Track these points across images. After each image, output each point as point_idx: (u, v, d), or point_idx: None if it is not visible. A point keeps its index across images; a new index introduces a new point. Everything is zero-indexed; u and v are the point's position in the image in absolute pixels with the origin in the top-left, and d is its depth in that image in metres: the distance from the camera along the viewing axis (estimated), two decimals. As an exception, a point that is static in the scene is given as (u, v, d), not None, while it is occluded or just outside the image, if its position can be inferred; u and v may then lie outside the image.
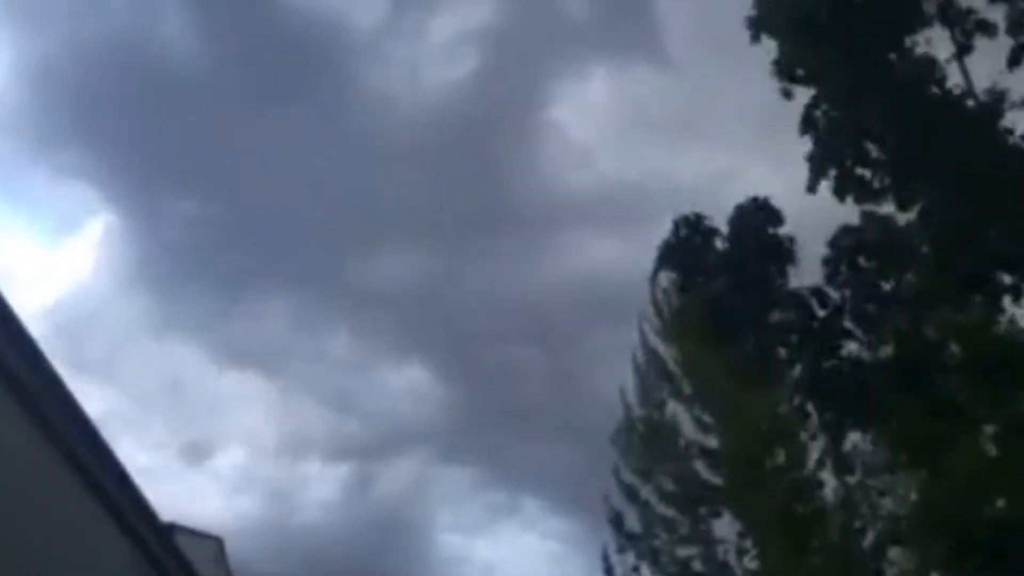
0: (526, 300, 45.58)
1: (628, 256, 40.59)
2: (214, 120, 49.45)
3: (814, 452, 21.66)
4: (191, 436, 52.53)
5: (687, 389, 24.19)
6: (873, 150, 14.42)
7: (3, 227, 37.91)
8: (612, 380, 25.83)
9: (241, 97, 51.63)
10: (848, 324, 14.55)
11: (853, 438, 18.41)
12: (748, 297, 14.54)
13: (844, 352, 14.68)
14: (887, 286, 14.74)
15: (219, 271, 51.86)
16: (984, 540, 12.80)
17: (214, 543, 23.39)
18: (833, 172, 14.32)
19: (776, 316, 14.64)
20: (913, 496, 17.20)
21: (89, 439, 13.14)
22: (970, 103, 14.23)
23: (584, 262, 47.54)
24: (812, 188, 14.29)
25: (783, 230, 15.02)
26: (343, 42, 52.81)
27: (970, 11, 14.44)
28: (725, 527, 23.04)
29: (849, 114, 14.34)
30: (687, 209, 15.02)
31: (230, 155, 49.84)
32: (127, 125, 48.94)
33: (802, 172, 14.62)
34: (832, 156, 14.33)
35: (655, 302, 24.79)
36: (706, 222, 14.92)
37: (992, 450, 13.86)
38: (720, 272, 14.73)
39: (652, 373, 24.81)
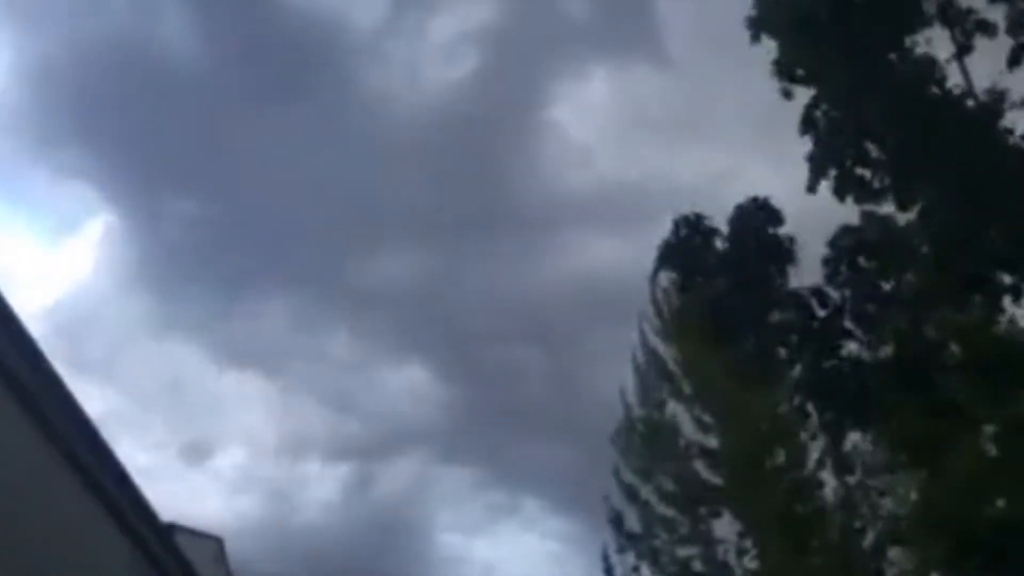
0: (526, 300, 45.60)
1: (628, 256, 40.53)
2: (214, 120, 49.47)
3: (814, 452, 21.70)
4: (191, 436, 52.59)
5: (687, 389, 24.22)
6: (873, 150, 14.42)
7: (3, 227, 37.95)
8: (612, 380, 25.87)
9: (241, 97, 51.65)
10: (848, 324, 14.54)
11: (853, 438, 18.43)
12: (748, 297, 14.53)
13: (844, 352, 14.66)
14: (887, 286, 14.73)
15: (219, 271, 51.89)
16: (984, 540, 12.80)
17: (214, 543, 23.40)
18: (833, 172, 14.31)
19: (776, 316, 14.62)
20: (913, 496, 17.20)
21: (89, 439, 13.15)
22: (970, 103, 14.23)
23: (584, 262, 47.57)
24: (812, 188, 14.29)
25: (783, 230, 14.99)
26: (343, 42, 52.84)
27: (970, 11, 14.43)
28: (725, 527, 23.08)
29: (849, 114, 14.33)
30: (687, 209, 15.01)
31: (230, 155, 49.86)
32: (127, 125, 48.97)
33: (802, 172, 14.61)
34: (832, 156, 14.32)
35: (655, 302, 24.82)
36: (706, 222, 14.90)
37: (992, 450, 13.86)
38: (720, 272, 14.71)
39: (652, 373, 24.84)
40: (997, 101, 14.04)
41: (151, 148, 48.22)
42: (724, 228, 15.20)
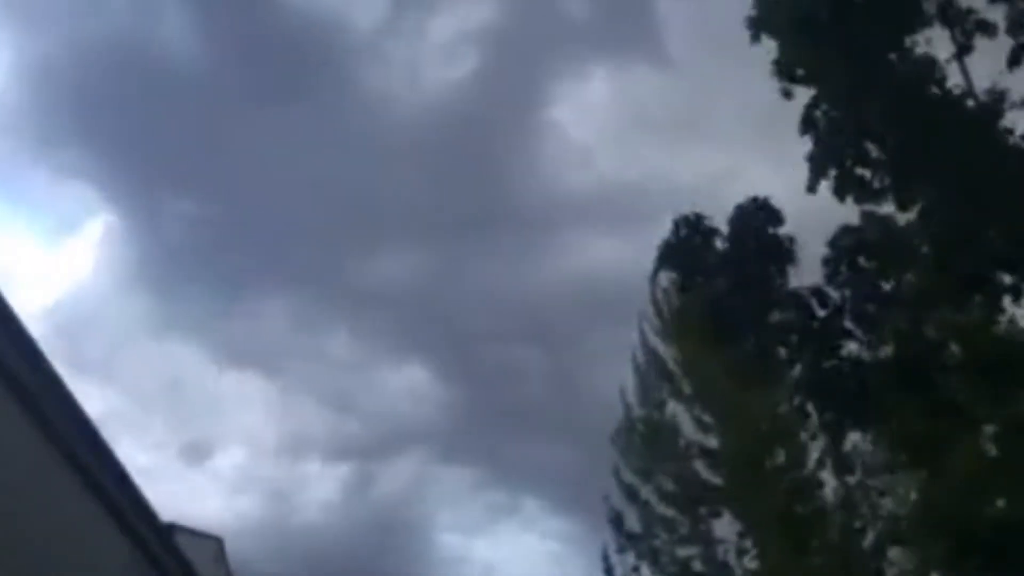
0: (526, 300, 45.62)
1: (628, 256, 40.56)
2: (214, 120, 49.48)
3: (814, 452, 21.70)
4: (191, 436, 52.59)
5: (687, 389, 24.23)
6: (873, 150, 14.42)
7: (3, 227, 37.95)
8: (612, 380, 25.87)
9: (241, 97, 51.66)
10: (848, 324, 14.54)
11: (853, 438, 18.43)
12: (748, 297, 14.53)
13: (844, 352, 14.66)
14: (887, 286, 14.74)
15: (219, 271, 51.89)
16: (984, 540, 12.80)
17: (214, 543, 23.39)
18: (833, 172, 14.31)
19: (776, 316, 14.62)
20: (913, 496, 17.21)
21: (89, 439, 13.14)
22: (970, 103, 14.23)
23: (584, 262, 47.59)
24: (812, 188, 14.29)
25: (783, 230, 15.00)
26: (343, 42, 52.85)
27: (970, 11, 14.43)
28: (725, 527, 23.09)
29: (849, 114, 14.33)
30: (687, 209, 15.01)
31: (230, 155, 49.88)
32: (127, 125, 48.98)
33: (802, 172, 14.62)
34: (832, 156, 14.32)
35: (655, 302, 24.81)
36: (706, 222, 14.90)
37: (992, 450, 13.87)
38: (720, 272, 14.71)
39: (652, 373, 24.83)
40: (997, 101, 14.04)
41: (151, 148, 48.29)
42: (724, 228, 15.20)
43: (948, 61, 14.41)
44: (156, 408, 51.28)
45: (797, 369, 14.82)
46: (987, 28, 14.34)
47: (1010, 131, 14.05)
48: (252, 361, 54.15)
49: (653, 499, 23.99)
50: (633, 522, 23.77)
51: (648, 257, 15.65)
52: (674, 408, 24.40)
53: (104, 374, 48.53)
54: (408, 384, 52.53)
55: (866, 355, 14.59)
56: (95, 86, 48.60)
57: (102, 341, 49.43)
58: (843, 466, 20.27)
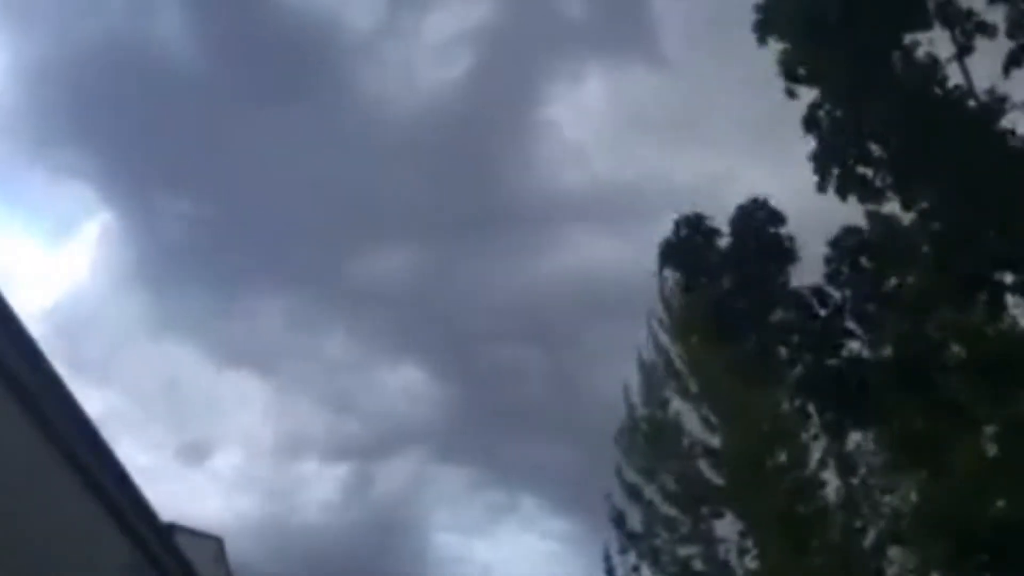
0: (523, 299, 45.72)
1: (625, 255, 40.64)
2: (211, 120, 49.58)
3: (816, 452, 21.69)
4: (190, 436, 52.68)
5: (693, 387, 24.20)
6: (876, 149, 14.41)
7: (2, 227, 37.96)
8: (610, 379, 25.91)
9: (238, 97, 51.74)
10: (849, 324, 14.52)
11: (855, 438, 18.43)
12: (749, 297, 14.51)
13: (845, 352, 14.64)
14: (888, 286, 14.72)
15: (216, 271, 52.02)
16: (985, 540, 12.80)
17: (214, 543, 23.40)
18: (836, 171, 14.30)
19: (777, 316, 14.61)
20: (913, 496, 17.22)
21: (89, 439, 13.14)
22: (971, 103, 14.22)
23: (581, 261, 47.72)
24: (822, 188, 14.27)
25: (783, 230, 14.98)
26: (339, 42, 52.93)
27: (970, 12, 14.42)
28: (726, 527, 23.09)
29: (851, 114, 14.33)
30: (685, 209, 14.99)
31: (227, 155, 49.97)
32: (124, 125, 49.05)
33: (800, 172, 14.62)
34: (835, 155, 14.32)
35: (664, 299, 24.76)
36: (706, 222, 14.89)
37: (993, 450, 13.86)
38: (722, 272, 14.70)
39: (659, 371, 24.81)
40: (998, 102, 14.03)
41: (148, 148, 48.37)
42: (723, 228, 15.19)
43: (948, 61, 14.41)
44: (155, 408, 51.38)
45: (798, 369, 14.80)
46: (987, 29, 14.33)
47: (1011, 131, 14.04)
48: (250, 361, 54.29)
49: (656, 498, 23.99)
50: (634, 522, 23.77)
51: (646, 256, 15.65)
52: (678, 407, 24.40)
53: (103, 374, 48.64)
54: (406, 384, 52.67)
55: (867, 355, 14.57)
56: (92, 86, 48.74)
57: (100, 341, 49.53)
58: (844, 466, 20.28)
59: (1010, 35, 14.03)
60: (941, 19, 14.36)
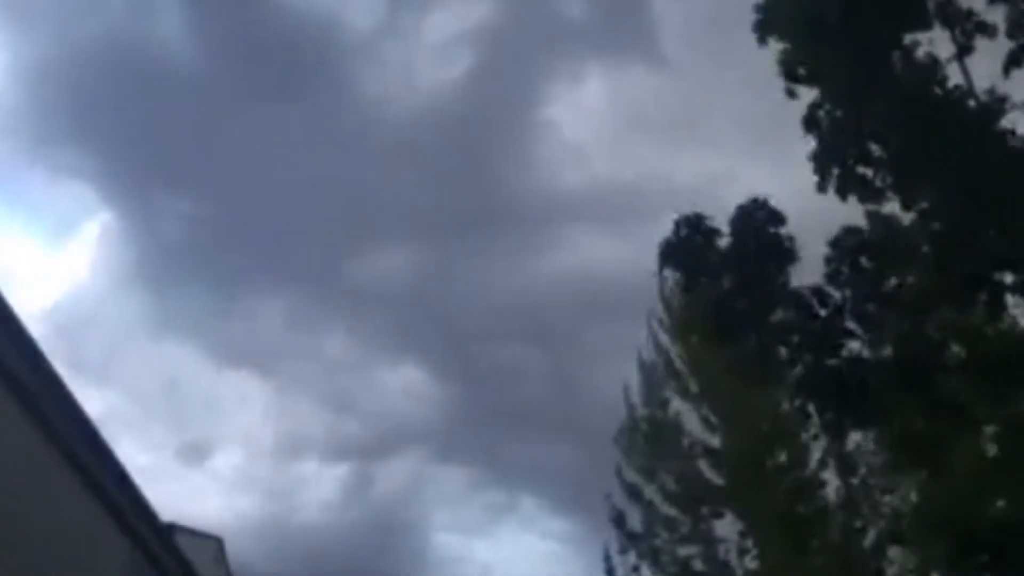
0: (523, 299, 45.74)
1: (625, 255, 40.68)
2: (211, 120, 49.63)
3: (816, 452, 21.69)
4: (189, 436, 52.66)
5: (693, 387, 24.19)
6: (876, 149, 14.42)
7: (2, 228, 37.95)
8: (610, 379, 25.91)
9: (238, 97, 51.73)
10: (849, 324, 14.52)
11: (855, 438, 18.42)
12: (749, 297, 14.52)
13: (845, 352, 14.64)
14: (888, 286, 14.73)
15: (216, 270, 52.06)
16: (985, 540, 12.80)
17: (214, 543, 23.41)
18: (836, 171, 14.30)
19: (777, 316, 14.61)
20: (913, 496, 17.21)
21: (89, 439, 13.14)
22: (971, 103, 14.22)
23: (581, 261, 47.74)
24: (822, 188, 14.27)
25: (783, 230, 14.99)
26: (339, 42, 52.93)
27: (970, 12, 14.42)
28: (726, 527, 23.09)
29: (851, 114, 14.33)
30: (684, 209, 15.01)
31: (227, 155, 49.97)
32: (124, 125, 49.05)
33: (800, 172, 14.63)
34: (835, 155, 14.32)
35: (664, 299, 24.76)
36: (706, 222, 14.90)
37: (993, 450, 13.87)
38: (722, 271, 14.71)
39: (659, 371, 24.81)
40: (998, 102, 14.03)
41: (148, 148, 48.34)
42: (724, 228, 15.20)
43: (948, 61, 14.41)
44: (155, 408, 51.35)
45: (798, 369, 14.80)
46: (987, 29, 14.33)
47: (1011, 131, 14.04)
48: (249, 361, 54.30)
49: (657, 498, 23.98)
50: (634, 522, 23.76)
51: (646, 256, 15.67)
52: (678, 407, 24.40)
53: (102, 374, 48.60)
54: (406, 384, 52.68)
55: (867, 355, 14.57)
56: (92, 86, 48.76)
57: (100, 341, 49.51)
58: (844, 466, 20.28)
59: (1010, 35, 14.04)
60: (941, 19, 14.36)
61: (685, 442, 23.87)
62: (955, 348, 14.35)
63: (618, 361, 26.07)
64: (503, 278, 48.31)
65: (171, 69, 48.77)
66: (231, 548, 24.57)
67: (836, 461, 20.94)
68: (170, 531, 17.55)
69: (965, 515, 13.06)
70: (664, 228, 15.11)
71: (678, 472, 23.77)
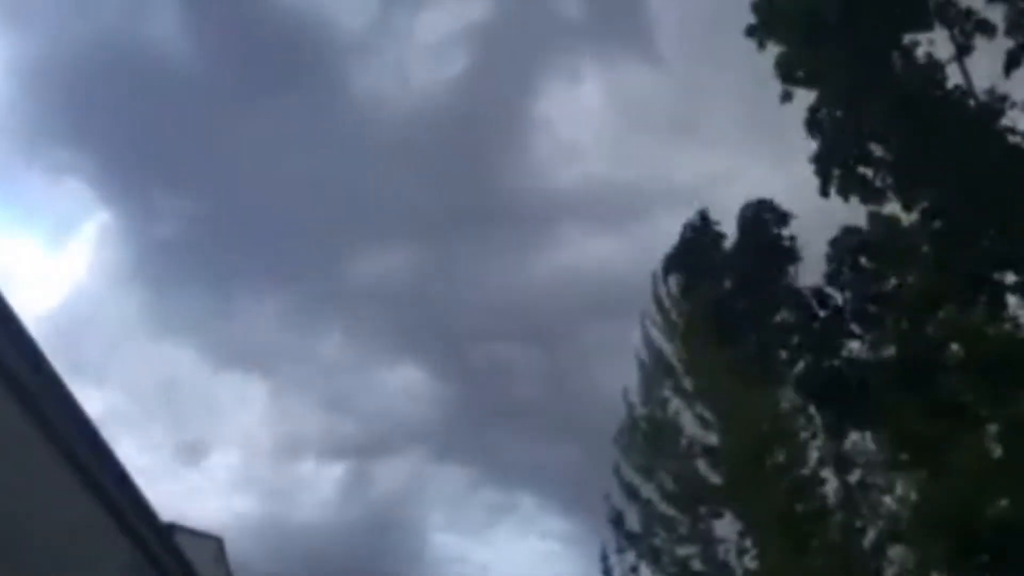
0: (520, 298, 45.66)
1: (624, 254, 40.75)
2: (207, 119, 49.61)
3: (815, 451, 21.68)
4: (189, 436, 52.56)
5: (689, 386, 24.19)
6: (876, 150, 14.44)
7: (1, 228, 37.88)
8: (608, 378, 25.91)
9: (234, 96, 51.70)
10: (849, 324, 14.55)
11: (854, 437, 18.44)
12: (750, 297, 14.55)
13: (845, 352, 14.67)
14: (888, 286, 14.75)
15: (214, 270, 51.97)
16: (985, 540, 12.81)
17: (214, 543, 23.37)
18: (837, 172, 14.33)
19: (778, 316, 14.64)
20: (913, 496, 17.22)
21: (89, 439, 13.11)
22: (971, 103, 14.24)
23: (579, 260, 47.64)
24: (825, 192, 14.27)
25: (784, 230, 15.02)
26: (333, 41, 52.87)
27: (970, 12, 14.44)
28: (725, 526, 23.05)
29: (851, 114, 14.35)
30: (682, 208, 15.07)
31: (224, 154, 49.92)
32: (121, 124, 49.03)
33: (799, 171, 14.67)
34: (835, 156, 14.34)
35: (658, 300, 24.79)
36: (712, 225, 14.94)
37: (994, 450, 13.88)
38: (724, 272, 14.74)
39: (655, 371, 24.80)
40: (997, 101, 14.05)
41: (146, 147, 48.30)
42: (723, 227, 15.24)
43: (948, 61, 14.43)
44: (153, 408, 51.27)
45: (798, 369, 14.83)
46: (986, 28, 14.35)
47: (1011, 130, 14.06)
48: (248, 361, 54.12)
49: (655, 498, 23.95)
50: (633, 521, 23.74)
51: (644, 255, 15.71)
52: (677, 406, 24.38)
53: (101, 374, 48.51)
54: (403, 383, 52.55)
55: (867, 355, 14.60)
56: (89, 85, 48.66)
57: (100, 341, 49.42)
58: (844, 465, 20.29)
59: (1009, 34, 14.05)
60: (941, 19, 14.38)
61: (684, 441, 23.87)
62: (955, 348, 14.37)
63: (617, 361, 26.09)
64: (501, 277, 48.30)
65: (168, 69, 48.80)
66: (231, 548, 24.58)
67: (835, 461, 20.95)
68: (170, 531, 17.52)
69: (965, 515, 13.07)
70: (662, 227, 15.19)
71: (677, 471, 23.75)
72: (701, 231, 14.80)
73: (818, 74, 14.66)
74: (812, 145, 14.74)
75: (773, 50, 15.12)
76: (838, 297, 14.55)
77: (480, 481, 50.34)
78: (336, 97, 52.14)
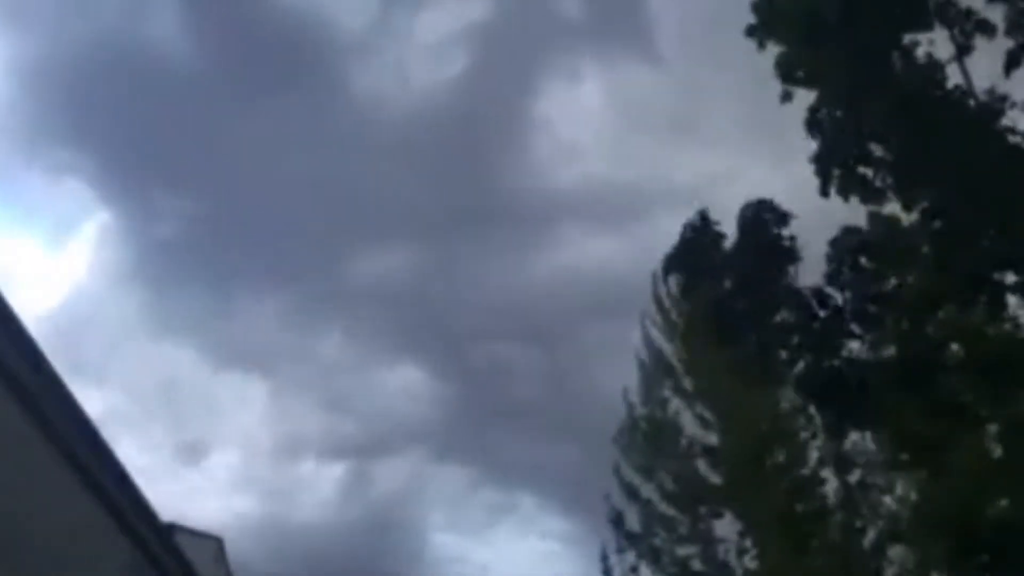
0: (520, 298, 45.64)
1: (623, 254, 40.76)
2: (207, 119, 49.60)
3: (815, 451, 21.67)
4: (189, 436, 52.54)
5: (689, 386, 24.18)
6: (876, 150, 14.44)
7: (1, 228, 37.87)
8: (608, 378, 25.90)
9: (234, 96, 51.68)
10: (849, 324, 14.55)
11: (854, 437, 18.44)
12: (750, 297, 14.55)
13: (845, 352, 14.67)
14: (888, 286, 14.75)
15: (213, 270, 51.97)
16: (985, 540, 12.81)
17: (214, 543, 23.37)
18: (837, 172, 14.33)
19: (779, 316, 14.65)
20: (913, 496, 17.21)
21: (89, 439, 13.11)
22: (971, 103, 14.24)
23: (579, 260, 47.63)
24: (825, 192, 14.28)
25: (784, 230, 15.02)
26: (333, 41, 52.87)
27: (970, 12, 14.45)
28: (725, 526, 23.04)
29: (851, 114, 14.36)
30: (682, 208, 15.09)
31: (224, 154, 49.92)
32: (121, 124, 49.03)
33: (799, 171, 14.67)
34: (835, 156, 14.34)
35: (658, 300, 24.79)
36: (712, 225, 14.95)
37: (994, 450, 13.87)
38: (723, 272, 14.75)
39: (655, 371, 24.79)
40: (997, 101, 14.05)
41: (146, 147, 48.29)
42: (723, 227, 15.25)
43: (948, 61, 14.43)
44: (153, 408, 51.25)
45: (798, 369, 14.83)
46: (986, 28, 14.35)
47: (1010, 130, 14.06)
48: (247, 361, 54.09)
49: (655, 498, 23.94)
50: (633, 521, 23.73)
51: (644, 255, 15.72)
52: (677, 406, 24.38)
53: (101, 374, 48.48)
54: (403, 383, 52.52)
55: (867, 355, 14.59)
56: (89, 85, 48.66)
57: (100, 341, 49.41)
58: (843, 465, 20.29)
59: (1009, 34, 14.05)
60: (941, 19, 14.38)
61: (684, 441, 23.85)
62: (955, 348, 14.37)
63: (617, 361, 26.07)
64: (501, 277, 48.29)
65: (168, 68, 48.81)
66: (231, 548, 24.58)
67: (835, 461, 20.94)
68: (170, 531, 17.51)
69: (965, 515, 13.07)
70: (664, 228, 15.21)
71: (677, 471, 23.74)
72: (701, 231, 14.79)
73: (818, 74, 14.66)
74: (812, 145, 14.78)
75: (773, 50, 15.14)
76: (838, 297, 14.55)
77: (480, 481, 50.35)
78: (336, 97, 52.18)
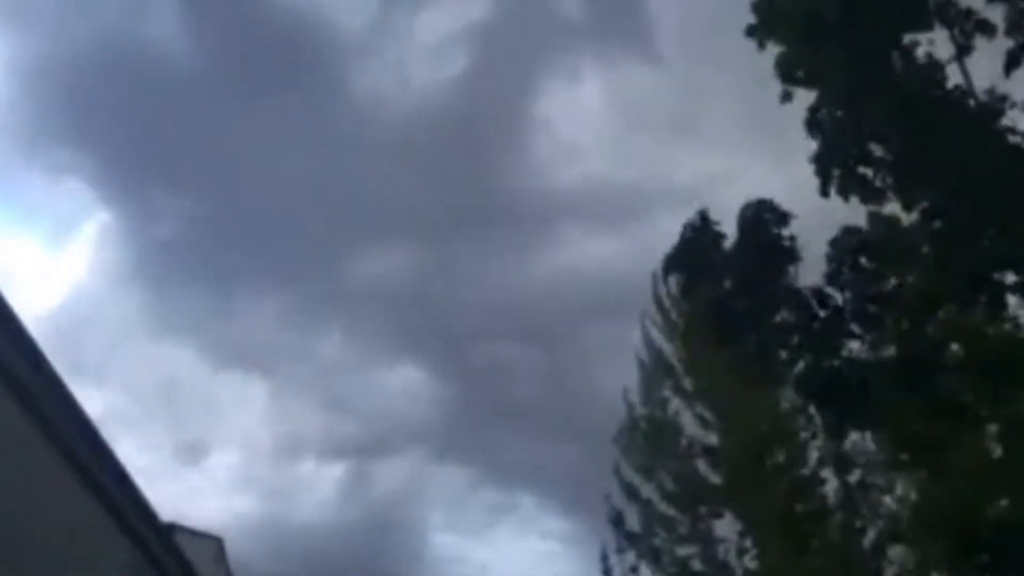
0: (520, 298, 45.64)
1: (621, 253, 40.78)
2: (207, 119, 49.59)
3: (815, 451, 21.67)
4: (189, 436, 52.53)
5: (689, 386, 24.18)
6: (876, 150, 14.44)
7: (0, 228, 37.86)
8: (608, 377, 25.89)
9: (234, 96, 51.68)
10: (849, 324, 14.55)
11: (854, 437, 18.44)
12: (750, 297, 14.56)
13: (845, 352, 14.67)
14: (888, 286, 14.75)
15: (213, 270, 51.96)
16: (985, 540, 12.81)
17: (214, 543, 23.36)
18: (837, 172, 14.33)
19: (779, 316, 14.65)
20: (913, 496, 17.21)
21: (89, 439, 13.11)
22: (971, 103, 14.24)
23: (579, 260, 47.62)
24: (825, 192, 14.28)
25: (784, 230, 15.02)
26: (333, 41, 52.88)
27: (970, 12, 14.45)
28: (725, 526, 23.04)
29: (851, 114, 14.36)
30: (682, 208, 15.10)
31: (224, 154, 49.92)
32: (121, 124, 49.03)
33: (799, 171, 14.68)
34: (836, 156, 14.35)
35: (658, 300, 24.79)
36: (712, 225, 14.95)
37: (995, 450, 13.87)
38: (723, 272, 14.75)
39: (655, 371, 24.79)
40: (997, 101, 14.06)
41: (146, 147, 48.30)
42: (723, 227, 15.25)
43: (948, 61, 14.44)
44: (153, 408, 51.24)
45: (798, 368, 14.83)
46: (986, 28, 14.36)
47: (1011, 130, 14.07)
48: (247, 361, 54.06)
49: (655, 497, 23.94)
50: (633, 521, 23.73)
51: (644, 255, 15.73)
52: (677, 406, 24.38)
53: (101, 374, 48.47)
54: (403, 383, 52.50)
55: (867, 355, 14.59)
56: (89, 85, 48.67)
57: (100, 341, 49.39)
58: (843, 465, 20.29)
59: (1009, 34, 14.06)
60: (941, 19, 14.39)
61: (684, 441, 23.85)
62: (955, 348, 14.37)
63: (617, 361, 26.06)
64: (501, 277, 48.30)
65: (168, 68, 48.81)
66: (231, 548, 24.57)
67: (835, 461, 20.95)
68: (170, 531, 17.50)
69: (965, 515, 13.07)
70: (664, 228, 15.23)
71: (677, 471, 23.73)
72: (701, 231, 14.79)
73: (818, 74, 14.66)
74: (812, 145, 14.79)
75: (773, 50, 15.14)
76: (838, 297, 14.55)
77: (480, 481, 50.33)
78: (336, 97, 52.19)
